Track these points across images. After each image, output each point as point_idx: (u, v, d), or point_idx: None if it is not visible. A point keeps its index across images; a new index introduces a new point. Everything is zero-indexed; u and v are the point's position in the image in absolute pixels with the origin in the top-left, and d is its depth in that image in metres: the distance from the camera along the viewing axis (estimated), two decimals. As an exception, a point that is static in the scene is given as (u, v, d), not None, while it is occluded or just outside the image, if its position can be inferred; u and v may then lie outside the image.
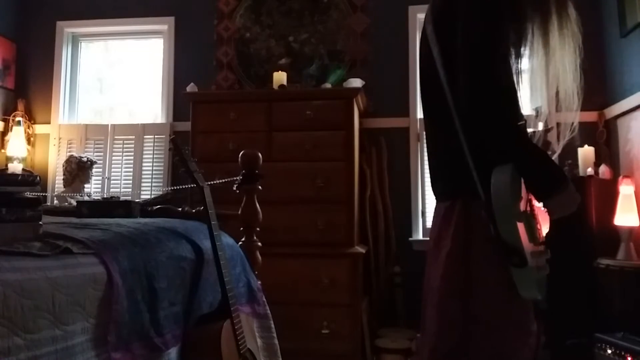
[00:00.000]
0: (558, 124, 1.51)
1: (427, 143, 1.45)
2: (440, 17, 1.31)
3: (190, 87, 3.42)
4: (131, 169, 3.89)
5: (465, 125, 1.22)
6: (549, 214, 1.22)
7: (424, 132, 1.55)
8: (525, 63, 1.31)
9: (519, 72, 1.29)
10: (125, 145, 3.92)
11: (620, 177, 2.95)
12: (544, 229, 1.27)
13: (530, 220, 1.20)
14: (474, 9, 1.22)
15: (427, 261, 1.37)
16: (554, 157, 1.50)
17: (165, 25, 3.94)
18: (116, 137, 3.93)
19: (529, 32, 1.28)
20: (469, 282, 1.23)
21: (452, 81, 1.23)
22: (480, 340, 1.22)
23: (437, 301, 1.28)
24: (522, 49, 1.29)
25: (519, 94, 1.29)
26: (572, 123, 1.39)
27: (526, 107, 1.38)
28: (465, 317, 1.22)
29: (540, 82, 1.32)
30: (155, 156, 3.88)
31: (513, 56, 1.28)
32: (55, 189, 3.82)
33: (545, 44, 1.28)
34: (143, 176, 3.87)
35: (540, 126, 1.67)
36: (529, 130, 1.40)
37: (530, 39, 1.29)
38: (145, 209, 2.16)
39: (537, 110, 1.49)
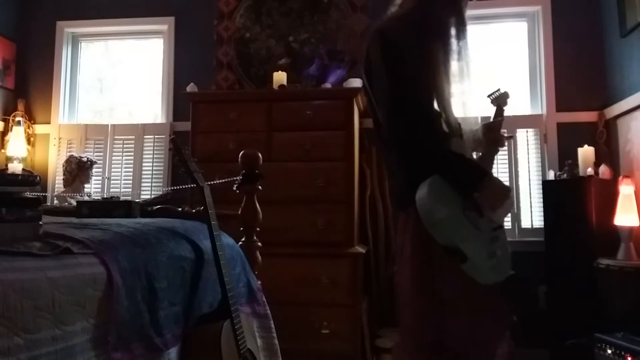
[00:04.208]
0: None
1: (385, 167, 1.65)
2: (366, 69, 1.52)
3: (190, 87, 3.41)
4: (131, 169, 3.89)
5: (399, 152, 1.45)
6: (489, 206, 1.36)
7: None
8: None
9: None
10: (125, 145, 3.92)
11: (620, 177, 2.94)
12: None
13: (471, 215, 1.36)
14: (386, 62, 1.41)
15: (396, 268, 1.51)
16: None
17: (165, 25, 3.94)
18: (116, 137, 3.93)
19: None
20: (434, 278, 1.36)
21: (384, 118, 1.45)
22: (456, 330, 1.35)
23: (409, 301, 1.41)
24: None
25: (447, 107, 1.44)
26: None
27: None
28: (437, 311, 1.35)
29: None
30: (155, 156, 3.88)
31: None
32: (55, 189, 3.82)
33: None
34: (143, 176, 3.87)
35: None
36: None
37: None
38: (145, 209, 2.15)
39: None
